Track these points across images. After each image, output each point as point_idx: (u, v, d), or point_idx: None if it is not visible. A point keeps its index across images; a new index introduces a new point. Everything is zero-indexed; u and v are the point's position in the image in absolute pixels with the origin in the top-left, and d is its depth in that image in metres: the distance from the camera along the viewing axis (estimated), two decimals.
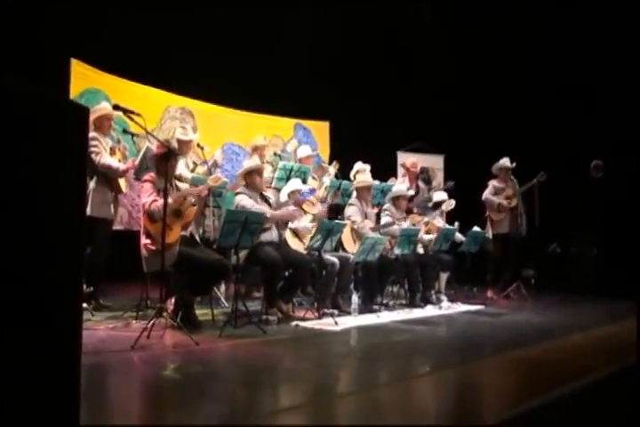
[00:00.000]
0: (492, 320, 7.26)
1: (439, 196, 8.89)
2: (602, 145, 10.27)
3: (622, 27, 9.79)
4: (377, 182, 8.30)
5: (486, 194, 9.50)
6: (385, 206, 8.13)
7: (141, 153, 6.77)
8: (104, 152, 6.48)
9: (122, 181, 6.71)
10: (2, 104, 2.11)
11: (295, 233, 6.95)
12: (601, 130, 10.25)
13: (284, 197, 7.00)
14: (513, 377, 4.62)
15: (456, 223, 8.74)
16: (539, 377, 4.44)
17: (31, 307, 2.13)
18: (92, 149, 6.36)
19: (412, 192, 8.63)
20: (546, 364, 4.92)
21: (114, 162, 6.55)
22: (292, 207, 6.70)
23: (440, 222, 8.57)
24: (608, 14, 9.97)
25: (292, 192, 6.92)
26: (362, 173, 8.16)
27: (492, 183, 9.54)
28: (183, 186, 6.11)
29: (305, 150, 8.56)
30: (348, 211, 7.71)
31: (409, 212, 8.39)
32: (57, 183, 2.27)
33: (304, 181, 7.47)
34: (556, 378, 4.32)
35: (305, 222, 7.03)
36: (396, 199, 8.14)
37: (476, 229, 8.78)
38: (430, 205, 8.71)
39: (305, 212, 7.26)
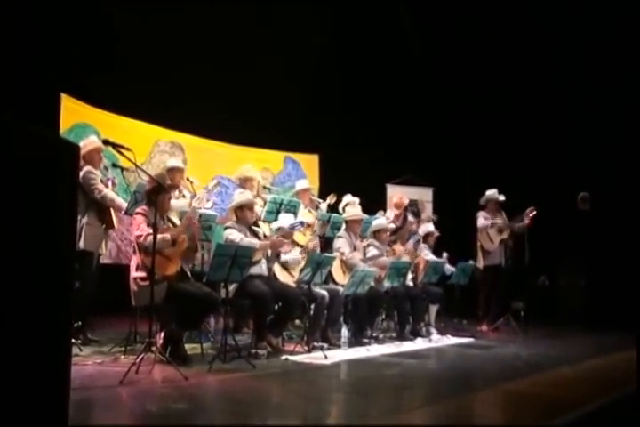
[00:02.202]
0: (482, 353, 7.25)
1: (425, 228, 8.91)
2: (589, 177, 10.36)
3: (607, 61, 9.96)
4: (366, 216, 8.29)
5: (482, 222, 9.47)
6: (369, 241, 8.13)
7: (133, 189, 6.79)
8: (101, 185, 6.51)
9: (114, 217, 6.70)
10: None
11: (284, 266, 6.94)
12: (588, 162, 10.36)
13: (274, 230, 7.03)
14: (503, 410, 4.61)
15: (444, 254, 8.75)
16: (529, 410, 4.43)
17: (20, 343, 2.13)
18: (92, 182, 6.39)
19: (392, 225, 8.64)
20: (536, 397, 4.90)
21: (117, 197, 6.61)
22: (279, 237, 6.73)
23: (428, 255, 8.59)
24: (599, 48, 10.13)
25: (279, 228, 6.92)
26: (351, 205, 8.19)
27: (482, 214, 9.56)
28: (175, 219, 6.12)
29: (302, 184, 8.59)
30: (337, 243, 7.72)
31: (391, 244, 8.42)
32: (47, 220, 2.29)
33: (294, 215, 7.47)
34: (547, 411, 4.31)
35: (294, 254, 7.04)
36: (377, 233, 8.17)
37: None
38: (416, 238, 8.71)
39: (295, 244, 7.26)
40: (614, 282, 9.58)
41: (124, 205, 6.57)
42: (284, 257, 6.93)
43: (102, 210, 6.55)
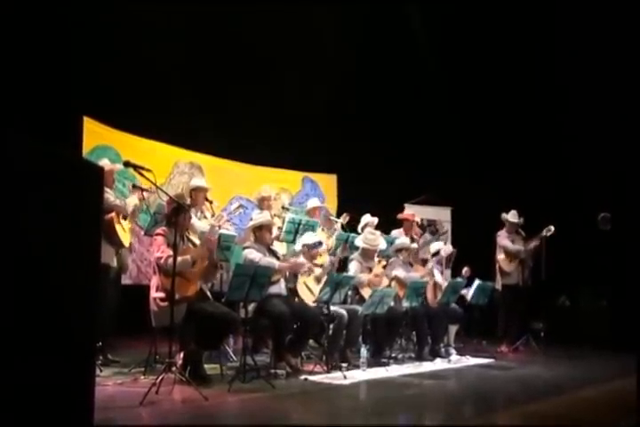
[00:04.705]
0: (502, 374, 7.20)
1: (436, 246, 8.82)
2: (610, 197, 10.29)
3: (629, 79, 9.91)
4: (383, 243, 8.15)
5: (506, 243, 9.47)
6: (391, 260, 8.13)
7: (153, 210, 6.84)
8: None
9: (125, 234, 6.70)
10: (19, 163, 2.18)
11: (308, 286, 6.95)
12: (609, 182, 10.30)
13: (299, 247, 7.08)
14: None
15: (465, 268, 8.68)
16: None
17: (46, 367, 2.15)
18: None
19: (415, 245, 8.62)
20: (558, 419, 4.87)
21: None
22: (300, 259, 6.78)
23: (438, 275, 8.47)
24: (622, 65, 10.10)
25: (304, 246, 7.00)
26: (370, 226, 8.19)
27: (503, 234, 9.55)
28: (195, 239, 6.15)
29: (313, 202, 8.63)
30: (350, 267, 7.71)
31: (410, 263, 8.41)
32: (73, 239, 2.33)
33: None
34: None
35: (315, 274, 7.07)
36: (399, 251, 8.17)
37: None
38: (438, 258, 8.66)
39: (315, 265, 7.28)
40: (636, 303, 9.47)
41: (125, 206, 6.60)
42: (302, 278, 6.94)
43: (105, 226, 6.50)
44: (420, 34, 12.30)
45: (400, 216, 9.37)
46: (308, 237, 7.11)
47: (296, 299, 6.85)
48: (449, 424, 4.66)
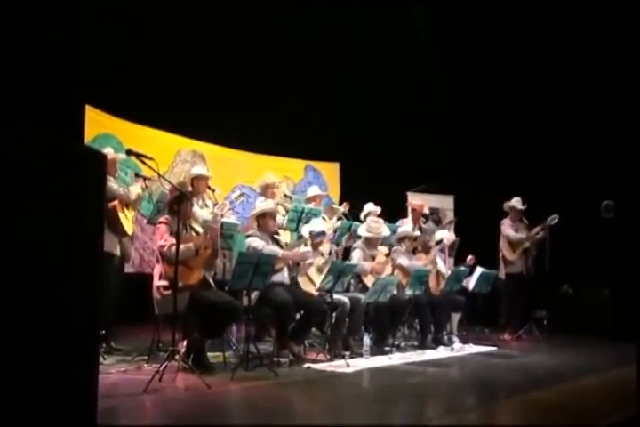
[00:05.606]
0: (505, 362, 7.20)
1: (440, 234, 8.80)
2: (613, 184, 10.26)
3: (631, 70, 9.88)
4: (386, 231, 8.13)
5: (509, 232, 9.45)
6: (394, 248, 8.12)
7: (155, 198, 6.83)
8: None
9: (128, 223, 6.69)
10: (22, 152, 2.17)
11: (307, 275, 6.94)
12: (612, 170, 10.27)
13: (306, 234, 7.08)
14: (527, 420, 4.57)
15: (469, 257, 8.69)
16: (553, 420, 4.40)
17: (49, 356, 2.15)
18: None
19: (417, 233, 8.60)
20: (560, 407, 4.87)
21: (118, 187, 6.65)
22: (303, 248, 6.77)
23: (440, 263, 8.45)
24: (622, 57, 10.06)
25: (311, 233, 7.01)
26: (372, 215, 8.17)
27: (507, 222, 9.54)
28: (198, 228, 6.14)
29: (313, 190, 8.60)
30: (353, 255, 7.70)
31: (415, 251, 8.39)
32: (76, 226, 2.32)
33: None
34: (571, 422, 4.28)
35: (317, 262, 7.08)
36: (402, 240, 8.17)
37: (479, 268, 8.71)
38: (441, 246, 8.64)
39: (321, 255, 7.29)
40: (638, 292, 9.46)
41: (129, 194, 6.61)
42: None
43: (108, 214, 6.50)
44: (423, 27, 12.26)
45: (411, 205, 9.35)
46: (314, 225, 7.11)
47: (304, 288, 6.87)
48: (451, 413, 4.67)
